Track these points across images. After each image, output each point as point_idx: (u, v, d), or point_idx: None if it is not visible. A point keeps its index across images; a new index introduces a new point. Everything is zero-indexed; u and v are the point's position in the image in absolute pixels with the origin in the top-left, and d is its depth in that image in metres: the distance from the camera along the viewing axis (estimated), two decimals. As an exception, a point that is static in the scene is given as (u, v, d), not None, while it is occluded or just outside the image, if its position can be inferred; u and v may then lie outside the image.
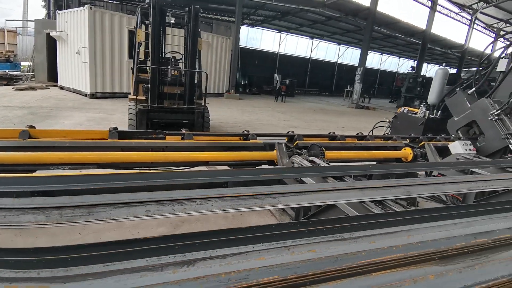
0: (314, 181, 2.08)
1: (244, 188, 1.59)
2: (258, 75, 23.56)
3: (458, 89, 5.05)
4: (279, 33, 25.06)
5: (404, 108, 7.20)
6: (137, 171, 2.84)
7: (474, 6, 24.89)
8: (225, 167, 3.60)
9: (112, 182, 1.61)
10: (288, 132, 3.66)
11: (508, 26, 25.61)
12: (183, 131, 3.20)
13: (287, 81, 21.62)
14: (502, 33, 25.87)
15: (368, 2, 16.88)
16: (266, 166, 3.38)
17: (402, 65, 36.53)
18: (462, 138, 4.64)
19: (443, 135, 4.78)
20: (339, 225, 1.22)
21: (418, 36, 22.65)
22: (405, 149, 3.84)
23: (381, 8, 17.99)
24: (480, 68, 5.22)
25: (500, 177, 2.41)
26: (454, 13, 25.21)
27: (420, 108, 6.84)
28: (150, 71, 5.20)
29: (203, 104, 5.92)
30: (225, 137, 3.48)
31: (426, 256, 1.07)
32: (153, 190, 1.77)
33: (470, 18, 25.64)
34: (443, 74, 6.52)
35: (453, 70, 28.20)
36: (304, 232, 1.14)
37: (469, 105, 4.76)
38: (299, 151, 3.25)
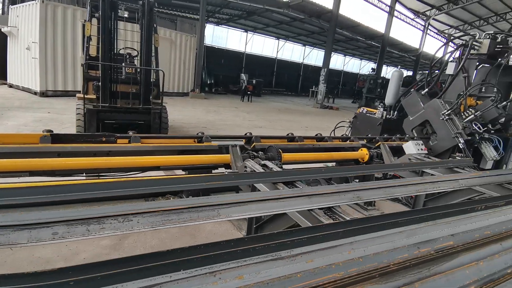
0: (267, 188, 1.97)
1: (179, 200, 1.42)
2: (225, 75, 23.30)
3: (412, 90, 5.24)
4: (246, 33, 24.97)
5: (363, 109, 7.38)
6: (75, 179, 2.55)
7: (428, 13, 26.57)
8: (181, 172, 3.41)
9: (22, 196, 1.37)
10: (245, 134, 3.54)
11: (458, 32, 27.63)
12: (130, 133, 2.95)
13: (254, 81, 21.59)
14: (452, 38, 27.82)
15: (331, 5, 17.32)
16: (222, 169, 3.24)
17: (363, 66, 38.06)
18: (416, 137, 4.81)
19: (398, 135, 4.92)
20: (278, 241, 1.10)
21: (377, 40, 23.67)
22: (361, 149, 3.88)
23: (343, 11, 18.57)
24: (432, 71, 5.46)
25: (448, 178, 2.47)
26: (410, 18, 26.71)
27: (378, 108, 7.03)
28: (100, 68, 4.81)
29: (161, 104, 5.63)
30: (179, 139, 3.27)
31: (367, 274, 0.97)
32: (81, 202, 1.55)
33: (424, 24, 27.31)
34: (398, 76, 6.76)
35: (410, 73, 29.92)
36: (236, 252, 1.01)
37: (422, 105, 4.94)
38: (256, 154, 3.14)
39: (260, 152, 3.17)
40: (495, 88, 4.79)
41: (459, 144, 4.28)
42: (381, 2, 22.16)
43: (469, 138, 4.38)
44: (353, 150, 3.99)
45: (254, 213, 1.44)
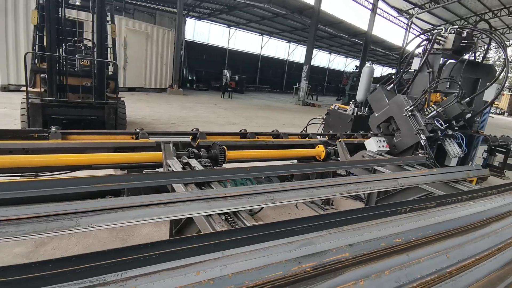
0: (182, 189, 1.74)
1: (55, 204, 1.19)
2: (207, 71, 22.91)
3: (378, 85, 5.10)
4: (228, 28, 24.58)
5: (335, 105, 7.26)
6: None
7: (411, 12, 26.81)
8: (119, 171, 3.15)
9: None
10: (192, 130, 3.31)
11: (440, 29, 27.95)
12: (53, 129, 2.67)
13: (236, 77, 21.31)
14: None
15: (313, 1, 17.16)
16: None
17: (349, 64, 38.23)
18: (379, 134, 4.68)
19: (361, 132, 4.79)
20: (119, 259, 0.87)
21: (360, 37, 23.71)
22: (318, 147, 3.71)
23: (326, 7, 18.46)
24: (401, 67, 5.35)
25: (397, 176, 2.31)
26: (393, 16, 26.88)
27: (350, 105, 6.91)
28: (46, 59, 4.47)
29: (116, 98, 5.32)
30: (115, 136, 3.02)
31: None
32: None
33: (407, 22, 27.56)
34: (369, 72, 6.64)
35: (394, 70, 30.17)
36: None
37: (387, 101, 4.81)
38: (197, 151, 2.91)
39: (202, 149, 2.94)
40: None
41: (421, 141, 4.17)
42: (364, -1, 22.19)
43: (432, 135, 4.27)
44: (312, 147, 3.81)
45: (131, 222, 1.21)
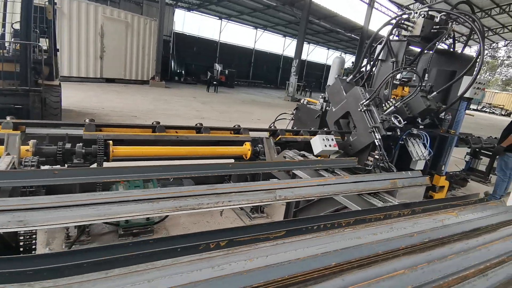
0: None
1: None
2: (197, 64, 22.26)
3: (336, 76, 4.50)
4: (220, 20, 23.84)
5: (305, 100, 6.68)
6: None
7: (411, 7, 25.91)
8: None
9: None
10: (84, 121, 2.75)
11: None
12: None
13: (226, 71, 20.70)
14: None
15: (304, -8, 16.47)
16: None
17: (348, 60, 37.40)
18: (332, 132, 4.10)
19: (312, 128, 4.23)
20: None
21: (357, 32, 22.96)
22: (245, 144, 3.14)
23: (320, 1, 17.75)
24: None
25: (312, 183, 1.74)
26: (393, 12, 26.02)
27: (319, 99, 6.33)
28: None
29: (53, 85, 4.77)
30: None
31: None
32: None
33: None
34: (339, 63, 6.05)
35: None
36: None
37: (345, 94, 4.22)
38: (69, 147, 2.35)
39: (78, 144, 2.38)
40: (426, 76, 4.09)
41: (375, 141, 3.59)
42: (361, -8, 21.42)
43: (389, 133, 3.68)
44: (241, 145, 3.25)
45: None
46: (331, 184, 1.79)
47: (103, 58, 12.70)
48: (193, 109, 9.68)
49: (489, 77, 45.68)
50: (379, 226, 1.27)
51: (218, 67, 21.47)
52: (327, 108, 6.04)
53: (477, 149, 6.33)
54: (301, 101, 6.62)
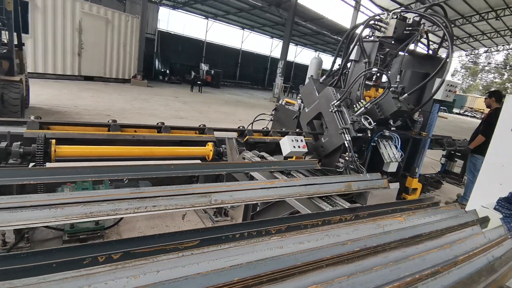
0: None
1: None
2: (183, 63, 21.95)
3: (309, 76, 4.42)
4: (206, 20, 23.61)
5: (283, 100, 6.60)
6: None
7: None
8: None
9: None
10: (29, 117, 2.56)
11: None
12: None
13: (212, 71, 20.51)
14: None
15: (290, -7, 16.45)
16: None
17: (336, 63, 37.72)
18: (304, 134, 4.02)
19: (283, 129, 4.14)
20: None
21: (343, 35, 23.10)
22: (208, 145, 3.00)
23: (305, 2, 17.77)
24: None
25: (254, 186, 1.62)
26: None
27: (297, 100, 6.26)
28: None
29: (13, 81, 4.51)
30: None
31: None
32: None
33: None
34: (316, 64, 6.00)
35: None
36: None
37: (317, 94, 4.14)
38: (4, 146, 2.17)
39: (15, 142, 2.19)
40: (398, 77, 4.05)
41: (345, 142, 3.51)
42: (346, -5, 21.60)
43: (360, 135, 3.61)
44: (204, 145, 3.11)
45: None
46: (277, 187, 1.67)
47: (81, 55, 12.31)
48: (172, 109, 9.46)
49: (471, 82, 46.95)
50: (312, 234, 1.15)
51: (204, 67, 21.26)
52: (305, 109, 5.97)
53: (452, 152, 6.38)
54: (280, 102, 6.54)
